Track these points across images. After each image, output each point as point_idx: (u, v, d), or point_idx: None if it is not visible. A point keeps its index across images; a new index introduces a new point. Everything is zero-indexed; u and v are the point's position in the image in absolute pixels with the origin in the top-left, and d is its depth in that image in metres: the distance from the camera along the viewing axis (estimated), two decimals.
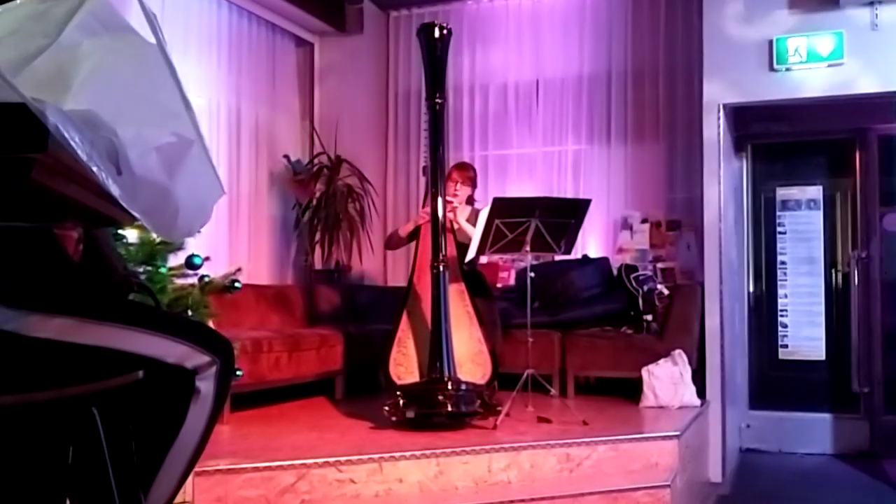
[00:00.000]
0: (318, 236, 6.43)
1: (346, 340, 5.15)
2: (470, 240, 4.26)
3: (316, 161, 6.61)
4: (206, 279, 3.61)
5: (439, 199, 4.12)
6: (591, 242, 6.15)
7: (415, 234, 4.50)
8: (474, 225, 4.30)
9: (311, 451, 3.47)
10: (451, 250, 4.31)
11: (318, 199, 6.43)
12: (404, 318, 4.29)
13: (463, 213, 4.54)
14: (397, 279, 6.38)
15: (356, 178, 6.56)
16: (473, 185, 4.67)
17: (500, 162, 6.46)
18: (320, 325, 5.45)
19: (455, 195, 4.54)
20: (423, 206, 4.51)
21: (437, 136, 4.16)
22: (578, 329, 5.40)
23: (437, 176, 4.15)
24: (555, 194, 6.04)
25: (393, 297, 4.87)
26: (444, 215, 4.09)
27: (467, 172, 4.63)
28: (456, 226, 4.39)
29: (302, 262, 6.55)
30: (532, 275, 4.39)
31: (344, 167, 6.57)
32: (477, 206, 4.78)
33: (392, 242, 4.74)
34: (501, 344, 4.61)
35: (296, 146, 6.69)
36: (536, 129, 6.33)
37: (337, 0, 6.52)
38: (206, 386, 1.59)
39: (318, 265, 6.55)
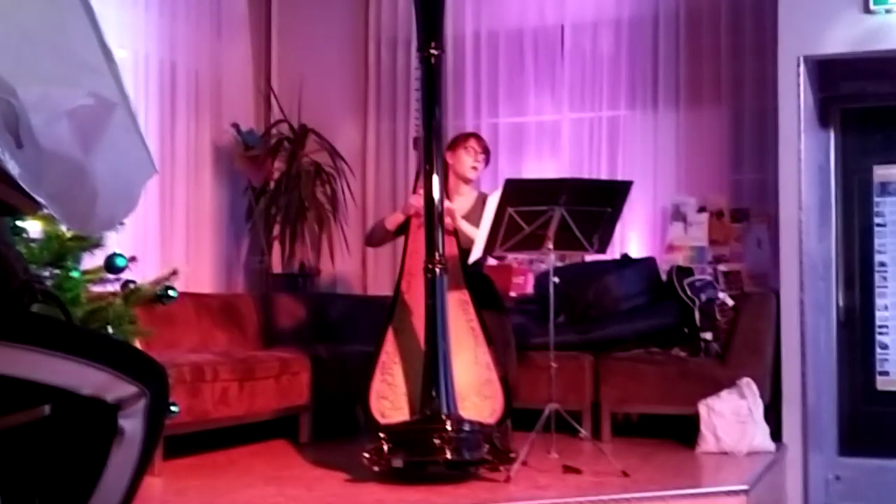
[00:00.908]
0: (276, 230, 6.48)
1: (314, 366, 5.24)
2: (470, 240, 4.41)
3: (274, 132, 6.67)
4: (132, 286, 3.62)
5: (435, 180, 4.17)
6: (633, 238, 6.26)
7: (403, 228, 4.60)
8: (479, 216, 4.39)
9: None
10: (451, 248, 4.39)
11: (277, 182, 6.47)
12: (390, 336, 4.35)
13: (467, 199, 4.62)
14: (381, 286, 6.47)
15: (326, 154, 6.60)
16: (487, 162, 4.80)
17: (514, 133, 6.56)
18: (280, 347, 5.53)
19: (474, 168, 4.66)
20: (415, 190, 4.58)
21: (433, 99, 4.24)
22: (616, 351, 5.50)
23: (433, 149, 4.21)
24: (585, 175, 6.13)
25: (375, 310, 4.98)
26: (442, 201, 4.16)
27: (484, 144, 4.75)
28: (455, 224, 4.50)
29: (256, 264, 6.62)
30: (556, 280, 4.46)
31: (310, 140, 6.61)
32: (483, 190, 4.90)
33: (375, 237, 4.85)
34: (516, 370, 4.65)
35: (247, 112, 6.75)
36: (561, 89, 6.42)
37: None
38: (131, 425, 1.60)
39: (277, 268, 6.62)
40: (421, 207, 4.29)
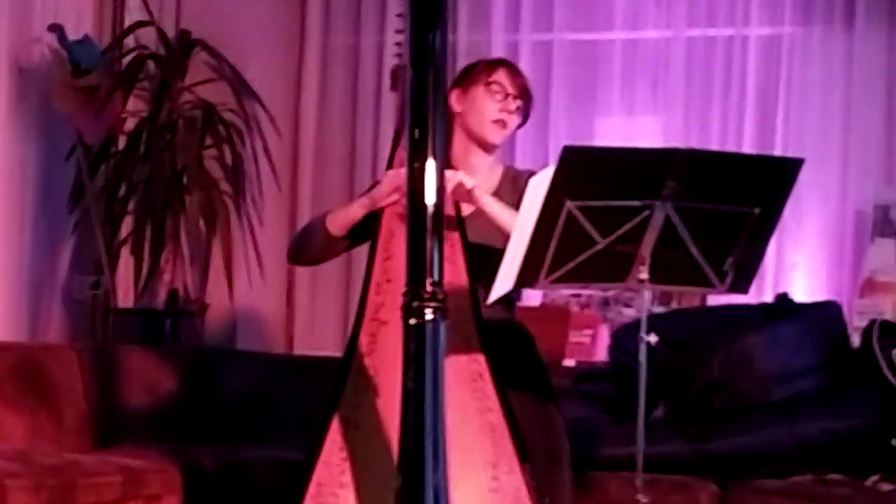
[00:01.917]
0: (127, 227, 5.68)
1: (189, 485, 4.69)
2: (503, 240, 3.65)
3: (129, 43, 5.85)
4: None
5: (430, 156, 3.06)
6: (798, 266, 5.53)
7: (364, 231, 3.88)
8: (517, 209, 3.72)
9: None
10: (457, 269, 3.76)
11: (132, 137, 5.66)
12: (334, 435, 3.67)
13: (485, 177, 3.93)
14: (319, 339, 5.93)
15: (227, 90, 5.78)
16: (525, 115, 4.04)
17: (581, 60, 5.82)
18: (127, 446, 4.91)
19: (501, 123, 3.91)
20: (391, 163, 3.98)
21: None
22: (761, 477, 4.77)
23: (427, 92, 3.10)
24: (711, 146, 5.49)
25: (306, 383, 4.94)
26: (442, 184, 3.03)
27: (522, 77, 4.03)
28: (470, 206, 3.83)
29: (85, 291, 5.79)
30: (653, 340, 3.74)
31: (197, 61, 5.79)
32: (517, 165, 4.61)
33: (308, 247, 4.13)
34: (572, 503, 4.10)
35: (82, 5, 5.92)
36: None
37: None
38: None
39: (125, 298, 5.79)
40: (401, 195, 3.55)
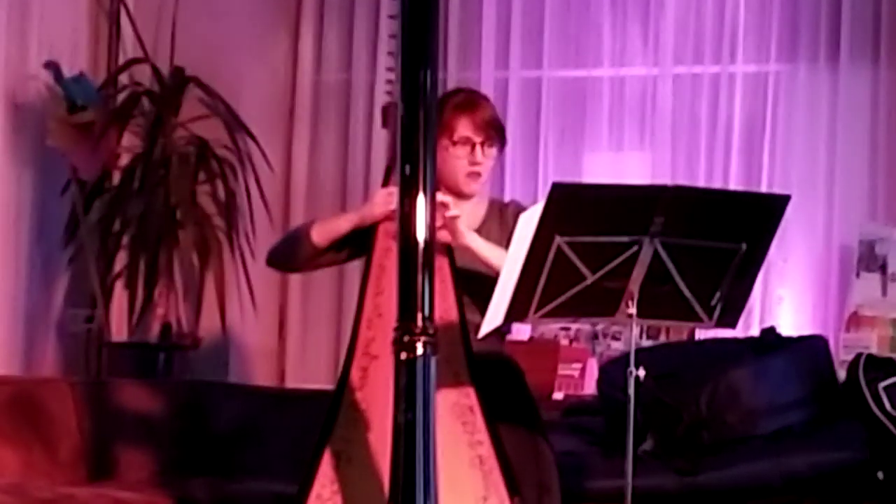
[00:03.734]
0: (121, 261, 5.70)
1: None
2: (491, 273, 3.72)
3: (124, 80, 5.92)
4: None
5: (421, 192, 3.16)
6: (785, 301, 5.55)
7: (357, 247, 3.95)
8: (505, 246, 3.75)
9: None
10: (447, 304, 3.76)
11: (127, 172, 5.71)
12: (326, 468, 3.71)
13: (471, 211, 3.98)
14: (311, 372, 5.85)
15: (220, 125, 5.78)
16: (502, 143, 4.10)
17: (570, 97, 5.85)
18: (120, 479, 4.96)
19: (477, 165, 3.96)
20: (386, 184, 4.01)
21: (421, 32, 3.20)
22: None
23: (418, 128, 3.17)
24: (697, 182, 5.57)
25: (298, 417, 4.84)
26: (433, 219, 3.19)
27: (485, 113, 4.01)
28: (456, 241, 3.85)
29: (79, 325, 5.85)
30: (641, 374, 3.78)
31: (191, 97, 5.80)
32: (504, 197, 4.94)
33: (289, 255, 4.15)
34: None
35: (78, 43, 5.95)
36: (661, 22, 5.69)
37: None
38: None
39: (118, 332, 5.80)
40: (391, 214, 3.61)
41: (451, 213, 3.75)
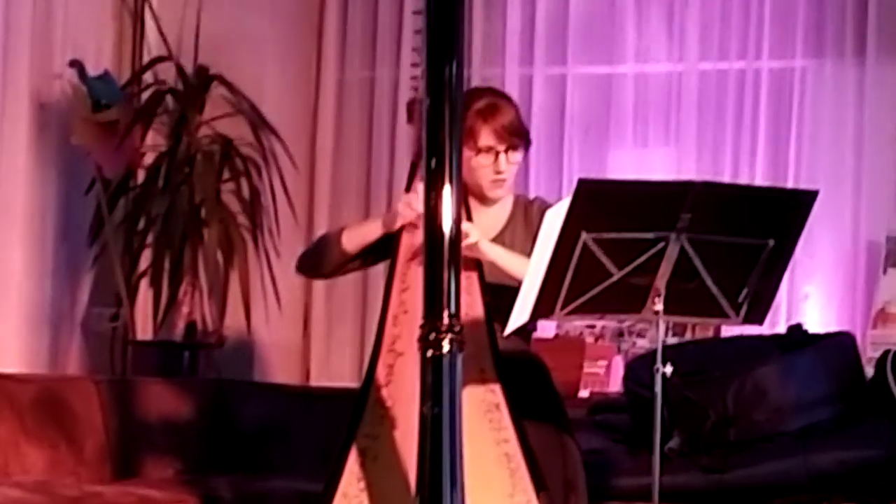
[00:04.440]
0: (146, 260, 5.74)
1: None
2: (514, 284, 3.67)
3: (148, 79, 5.92)
4: None
5: (447, 185, 3.24)
6: (811, 298, 5.54)
7: (380, 252, 3.96)
8: (520, 242, 3.85)
9: None
10: (473, 300, 3.74)
11: (151, 171, 5.73)
12: (352, 465, 3.69)
13: (496, 211, 4.00)
14: (337, 371, 5.88)
15: (244, 124, 5.80)
16: (526, 146, 4.05)
17: (595, 94, 5.87)
18: (146, 479, 4.97)
19: (501, 174, 3.93)
20: (409, 189, 3.92)
21: (449, 21, 3.34)
22: None
23: (443, 126, 3.32)
24: (723, 177, 5.48)
25: (323, 415, 4.94)
26: (459, 223, 3.30)
27: (507, 118, 3.98)
28: (478, 254, 3.86)
29: (105, 324, 5.89)
30: (667, 370, 3.75)
31: (215, 96, 5.83)
32: (530, 194, 4.75)
33: (320, 262, 4.15)
34: None
35: (102, 42, 5.98)
36: (686, 18, 5.65)
37: None
38: None
39: (144, 331, 5.84)
40: (417, 219, 3.60)
41: (469, 240, 3.71)
